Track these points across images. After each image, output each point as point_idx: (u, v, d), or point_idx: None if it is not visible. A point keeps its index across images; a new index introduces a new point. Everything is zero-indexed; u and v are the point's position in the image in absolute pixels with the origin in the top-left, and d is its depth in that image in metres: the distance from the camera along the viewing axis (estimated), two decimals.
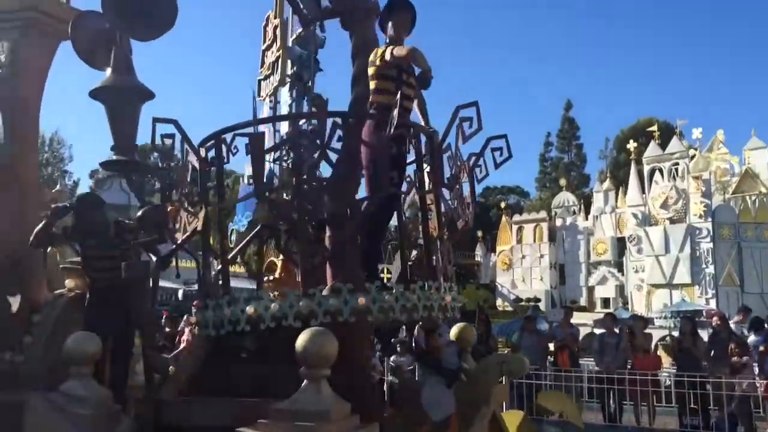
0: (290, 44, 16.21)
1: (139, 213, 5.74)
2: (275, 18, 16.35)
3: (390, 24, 6.01)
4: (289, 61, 16.03)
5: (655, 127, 41.37)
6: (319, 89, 16.26)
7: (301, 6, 6.72)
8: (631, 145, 41.54)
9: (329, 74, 17.13)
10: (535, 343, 14.26)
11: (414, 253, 6.93)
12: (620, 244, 40.79)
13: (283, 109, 16.23)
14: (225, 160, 5.56)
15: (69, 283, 7.12)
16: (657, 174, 38.34)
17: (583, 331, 15.69)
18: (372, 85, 5.94)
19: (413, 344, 15.03)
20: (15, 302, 6.90)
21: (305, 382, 4.26)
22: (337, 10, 6.64)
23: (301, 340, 4.30)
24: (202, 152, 5.64)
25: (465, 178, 6.24)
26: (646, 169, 38.99)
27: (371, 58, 5.94)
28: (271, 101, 16.67)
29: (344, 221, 5.75)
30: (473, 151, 6.10)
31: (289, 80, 15.74)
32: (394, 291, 5.41)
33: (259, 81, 17.33)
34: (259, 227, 7.09)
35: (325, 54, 16.36)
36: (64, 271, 7.40)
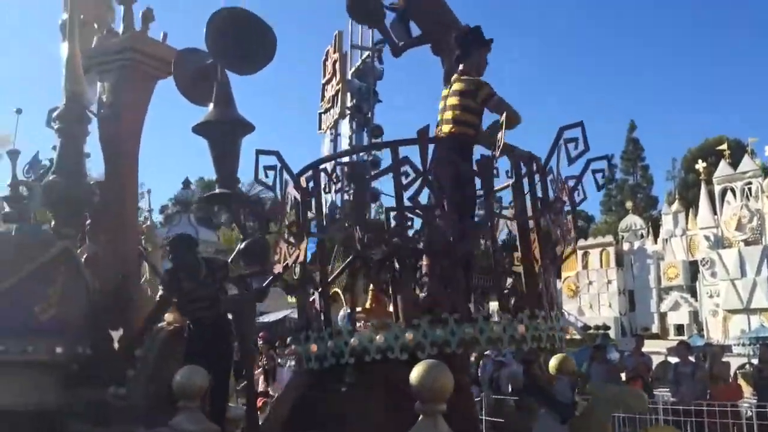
0: (349, 77, 16.42)
1: (242, 245, 5.75)
2: (335, 52, 16.61)
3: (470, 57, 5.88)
4: (348, 94, 16.23)
5: (725, 146, 40.14)
6: (378, 120, 16.46)
7: (392, 34, 6.74)
8: (700, 165, 40.26)
9: (388, 105, 17.27)
10: (606, 373, 13.68)
11: (509, 281, 6.77)
12: (692, 268, 39.42)
13: (344, 141, 16.41)
14: (327, 190, 5.51)
15: (168, 316, 7.17)
16: (729, 194, 37.10)
17: (656, 360, 15.15)
18: (452, 114, 5.81)
19: (478, 374, 14.72)
20: (117, 336, 6.98)
21: (421, 417, 4.10)
22: (428, 37, 6.63)
23: (416, 373, 4.17)
24: (302, 182, 5.60)
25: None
26: (717, 189, 37.77)
27: (458, 87, 5.80)
28: (331, 133, 16.89)
29: (446, 250, 5.62)
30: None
31: (349, 112, 15.92)
32: (501, 321, 5.25)
33: (320, 114, 17.57)
34: (351, 257, 7.03)
35: (383, 85, 16.56)
36: None
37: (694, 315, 38.66)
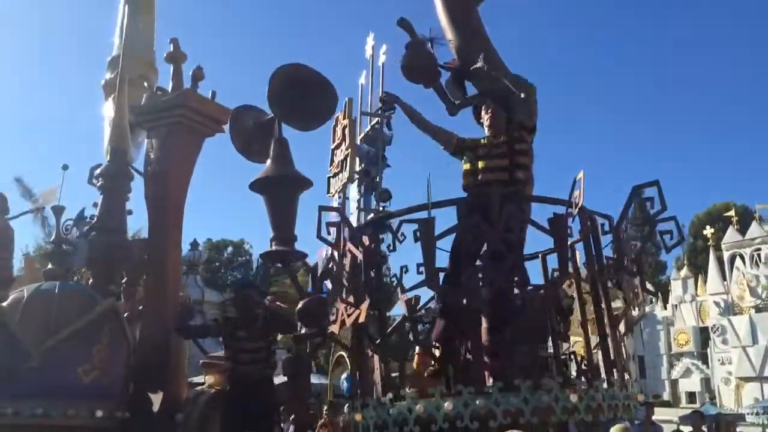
0: (358, 142, 16.56)
1: (300, 305, 5.46)
2: (344, 118, 16.79)
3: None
4: (357, 159, 16.33)
5: (732, 212, 39.98)
6: (386, 184, 16.52)
7: (448, 93, 6.60)
8: (708, 230, 40.00)
9: (396, 170, 17.48)
10: None
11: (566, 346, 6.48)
12: (703, 335, 38.74)
13: (352, 205, 16.46)
14: (392, 248, 5.26)
15: (209, 379, 6.83)
16: (738, 260, 36.74)
17: (668, 429, 14.55)
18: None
19: None
20: (157, 399, 6.62)
21: None
22: (485, 97, 6.47)
23: None
24: (366, 241, 5.35)
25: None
26: (726, 255, 37.45)
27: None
28: (340, 197, 16.92)
29: (510, 313, 5.34)
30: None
31: (358, 177, 15.98)
32: (576, 389, 4.92)
33: (329, 178, 17.66)
34: (400, 318, 6.74)
35: (392, 151, 16.88)
36: (204, 367, 7.13)
37: (706, 382, 37.78)
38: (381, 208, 16.31)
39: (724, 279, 37.30)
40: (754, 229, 36.76)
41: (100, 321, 6.16)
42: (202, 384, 7.11)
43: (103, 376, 6.09)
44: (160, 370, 6.75)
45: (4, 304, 6.18)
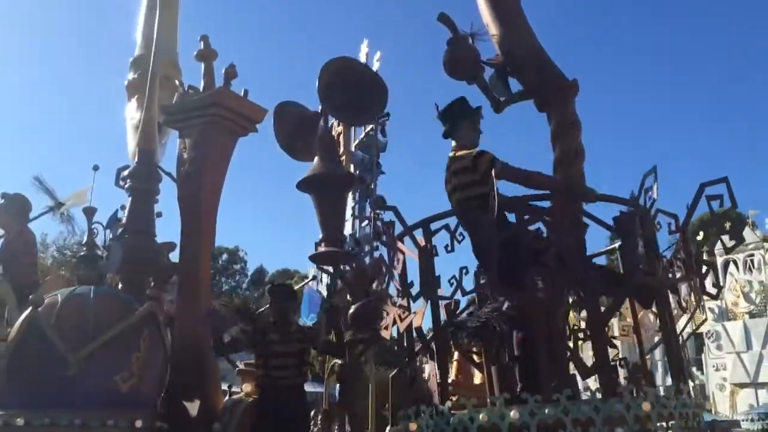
0: (353, 149, 16.40)
1: (353, 310, 5.17)
2: (339, 125, 16.63)
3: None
4: (351, 165, 16.17)
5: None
6: (381, 191, 16.42)
7: (492, 90, 6.36)
8: (701, 236, 39.88)
9: (391, 176, 17.37)
10: None
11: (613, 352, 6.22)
12: (697, 341, 38.65)
13: (347, 212, 16.32)
14: (450, 249, 4.99)
15: (246, 387, 6.52)
16: (731, 266, 36.73)
17: None
18: (456, 197, 5.36)
19: None
20: (194, 408, 6.29)
21: None
22: (531, 93, 6.24)
23: None
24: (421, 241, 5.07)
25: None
26: (719, 261, 37.36)
27: (455, 167, 5.34)
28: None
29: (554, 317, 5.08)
30: None
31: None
32: (648, 396, 4.66)
33: None
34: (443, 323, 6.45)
35: (386, 157, 16.89)
36: (240, 374, 6.82)
37: (701, 389, 37.64)
38: (376, 215, 16.19)
39: (718, 284, 37.20)
40: (747, 235, 36.71)
41: (139, 326, 5.84)
42: (238, 392, 6.79)
43: (141, 384, 5.76)
44: (195, 378, 6.43)
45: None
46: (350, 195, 15.36)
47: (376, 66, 15.39)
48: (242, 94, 7.18)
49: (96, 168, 7.33)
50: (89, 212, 6.62)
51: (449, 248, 5.04)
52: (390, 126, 16.54)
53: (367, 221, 16.13)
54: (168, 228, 7.93)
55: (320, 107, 5.72)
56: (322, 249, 5.44)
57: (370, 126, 15.91)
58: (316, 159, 5.61)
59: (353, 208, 16.65)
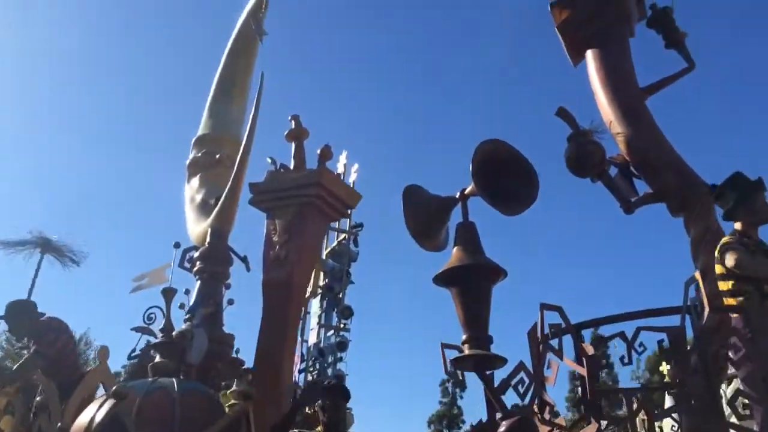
0: (324, 257, 15.93)
1: (504, 427, 4.28)
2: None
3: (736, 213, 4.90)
4: (322, 274, 15.67)
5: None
6: (349, 300, 15.86)
7: (621, 190, 5.82)
8: (664, 367, 39.48)
9: (360, 286, 16.90)
10: None
11: None
12: None
13: (313, 320, 15.64)
14: (628, 361, 4.23)
15: None
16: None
17: None
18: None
19: None
20: None
21: None
22: (666, 195, 5.70)
23: None
24: (590, 350, 4.31)
25: None
26: None
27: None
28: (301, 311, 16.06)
29: None
30: None
31: (321, 292, 15.32)
32: None
33: None
34: None
35: (357, 267, 16.47)
36: None
37: None
38: (342, 325, 15.69)
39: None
40: None
41: (233, 428, 4.84)
42: None
43: None
44: None
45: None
46: (317, 303, 14.84)
47: (353, 177, 15.17)
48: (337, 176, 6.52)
49: (177, 245, 6.46)
50: (168, 294, 5.70)
51: (626, 360, 4.27)
52: (363, 236, 16.37)
53: (333, 331, 15.56)
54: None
55: (458, 193, 5.03)
56: (467, 351, 4.59)
57: (343, 235, 15.55)
58: (455, 249, 4.85)
59: (319, 317, 15.98)
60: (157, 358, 5.51)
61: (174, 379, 5.16)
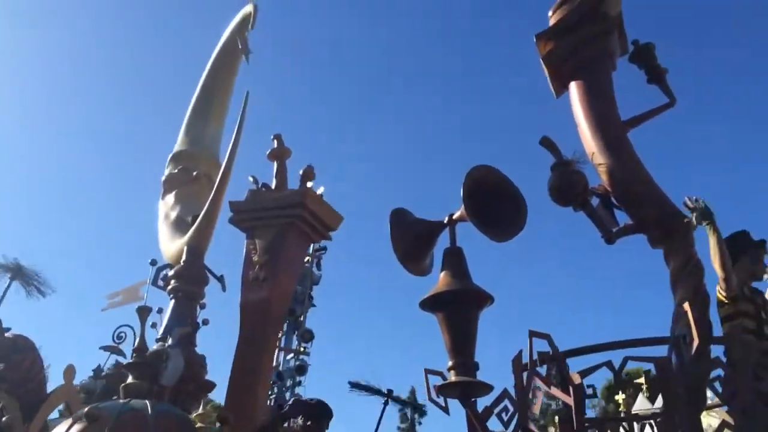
0: None
1: None
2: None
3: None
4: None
5: (642, 379, 40.12)
6: (310, 324, 15.79)
7: (603, 220, 5.84)
8: (620, 396, 39.81)
9: (321, 310, 16.91)
10: None
11: None
12: None
13: None
14: (616, 390, 4.19)
15: None
16: (647, 428, 36.43)
17: None
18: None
19: None
20: None
21: None
22: (646, 226, 5.74)
23: None
24: (576, 379, 4.29)
25: None
26: (636, 427, 37.08)
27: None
28: (278, 334, 15.86)
29: None
30: None
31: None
32: None
33: None
34: None
35: (319, 290, 16.51)
36: None
37: None
38: (302, 349, 15.54)
39: None
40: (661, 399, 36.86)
41: None
42: None
43: None
44: None
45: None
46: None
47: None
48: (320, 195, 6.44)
49: (154, 263, 6.28)
50: (143, 312, 5.52)
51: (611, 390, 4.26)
52: (326, 260, 16.38)
53: (292, 354, 15.35)
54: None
55: (446, 218, 5.00)
56: (453, 378, 4.52)
57: (307, 258, 15.46)
58: (443, 275, 4.80)
59: (280, 339, 15.80)
60: (129, 379, 5.31)
61: (147, 401, 4.98)
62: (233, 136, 6.40)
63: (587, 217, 5.95)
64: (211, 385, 6.09)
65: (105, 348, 6.19)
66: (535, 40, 6.75)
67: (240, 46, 7.50)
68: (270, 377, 6.07)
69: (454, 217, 5.02)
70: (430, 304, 4.77)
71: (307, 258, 15.09)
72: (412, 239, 5.14)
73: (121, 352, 6.21)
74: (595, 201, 6.07)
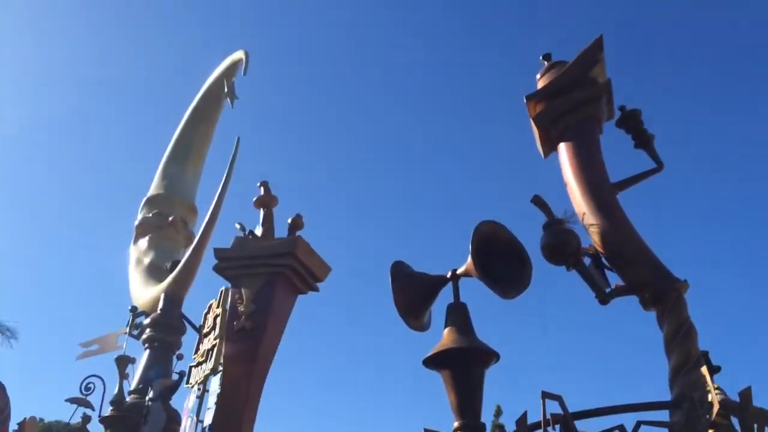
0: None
1: None
2: (218, 307, 15.67)
3: None
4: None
5: None
6: None
7: (595, 280, 5.83)
8: None
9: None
10: None
11: None
12: None
13: (211, 399, 14.97)
14: None
15: None
16: None
17: None
18: None
19: None
20: None
21: None
22: (639, 288, 5.75)
23: None
24: None
25: None
26: None
27: None
28: (199, 389, 15.19)
29: None
30: None
31: (222, 368, 14.86)
32: None
33: (190, 367, 15.96)
34: None
35: None
36: None
37: None
38: None
39: None
40: None
41: None
42: None
43: None
44: None
45: None
46: (218, 381, 14.27)
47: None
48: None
49: (134, 310, 5.94)
50: (122, 362, 5.18)
51: None
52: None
53: None
54: None
55: (449, 273, 4.90)
56: None
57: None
58: (447, 331, 4.67)
59: (218, 395, 15.20)
60: None
61: None
62: (222, 181, 6.21)
63: (580, 276, 5.95)
64: None
65: (72, 400, 5.75)
66: (525, 100, 6.86)
67: (226, 90, 7.36)
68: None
69: (458, 272, 4.92)
70: (435, 361, 4.62)
71: None
72: (414, 293, 5.01)
73: (89, 405, 5.79)
74: (586, 261, 6.11)
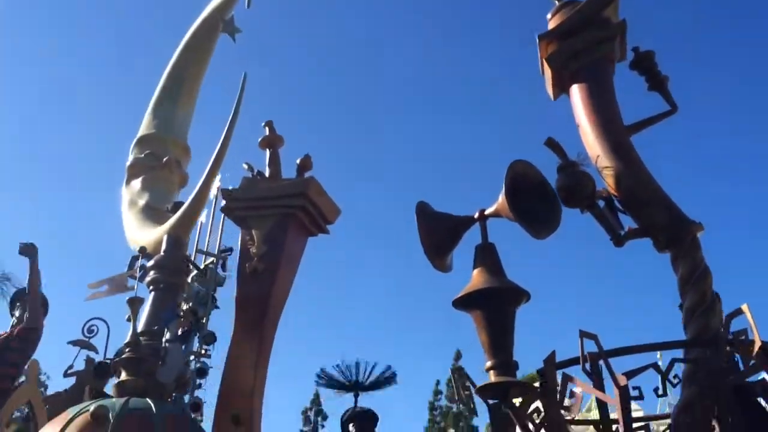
0: (190, 281, 15.56)
1: None
2: None
3: None
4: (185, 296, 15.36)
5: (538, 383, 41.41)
6: (212, 326, 15.43)
7: (610, 222, 5.82)
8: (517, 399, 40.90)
9: (224, 312, 16.36)
10: None
11: None
12: None
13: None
14: (662, 392, 4.18)
15: None
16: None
17: None
18: None
19: None
20: None
21: None
22: (654, 230, 5.75)
23: None
24: (623, 381, 4.21)
25: None
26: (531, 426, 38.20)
27: None
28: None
29: None
30: None
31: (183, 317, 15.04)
32: None
33: None
34: None
35: (223, 292, 15.94)
36: None
37: None
38: (203, 351, 15.17)
39: None
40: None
41: None
42: None
43: None
44: None
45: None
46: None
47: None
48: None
49: (143, 250, 5.72)
50: (134, 303, 5.00)
51: (660, 391, 4.19)
52: (231, 261, 15.70)
53: (193, 357, 14.77)
54: None
55: (477, 213, 4.80)
56: (494, 378, 4.32)
57: (211, 259, 15.09)
58: (477, 272, 4.59)
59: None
60: (123, 375, 4.78)
61: (150, 401, 4.48)
62: (228, 120, 5.96)
63: (595, 219, 5.93)
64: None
65: (74, 342, 5.56)
66: (537, 40, 6.71)
67: (224, 24, 7.01)
68: (265, 377, 5.61)
69: (486, 212, 4.82)
70: (465, 302, 4.55)
71: (211, 259, 14.60)
72: (439, 233, 4.91)
73: (92, 347, 5.61)
74: (600, 204, 6.08)
